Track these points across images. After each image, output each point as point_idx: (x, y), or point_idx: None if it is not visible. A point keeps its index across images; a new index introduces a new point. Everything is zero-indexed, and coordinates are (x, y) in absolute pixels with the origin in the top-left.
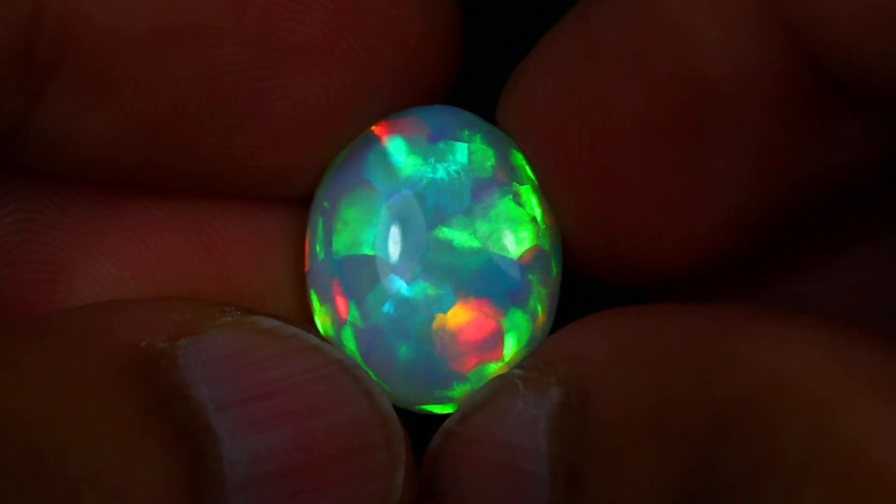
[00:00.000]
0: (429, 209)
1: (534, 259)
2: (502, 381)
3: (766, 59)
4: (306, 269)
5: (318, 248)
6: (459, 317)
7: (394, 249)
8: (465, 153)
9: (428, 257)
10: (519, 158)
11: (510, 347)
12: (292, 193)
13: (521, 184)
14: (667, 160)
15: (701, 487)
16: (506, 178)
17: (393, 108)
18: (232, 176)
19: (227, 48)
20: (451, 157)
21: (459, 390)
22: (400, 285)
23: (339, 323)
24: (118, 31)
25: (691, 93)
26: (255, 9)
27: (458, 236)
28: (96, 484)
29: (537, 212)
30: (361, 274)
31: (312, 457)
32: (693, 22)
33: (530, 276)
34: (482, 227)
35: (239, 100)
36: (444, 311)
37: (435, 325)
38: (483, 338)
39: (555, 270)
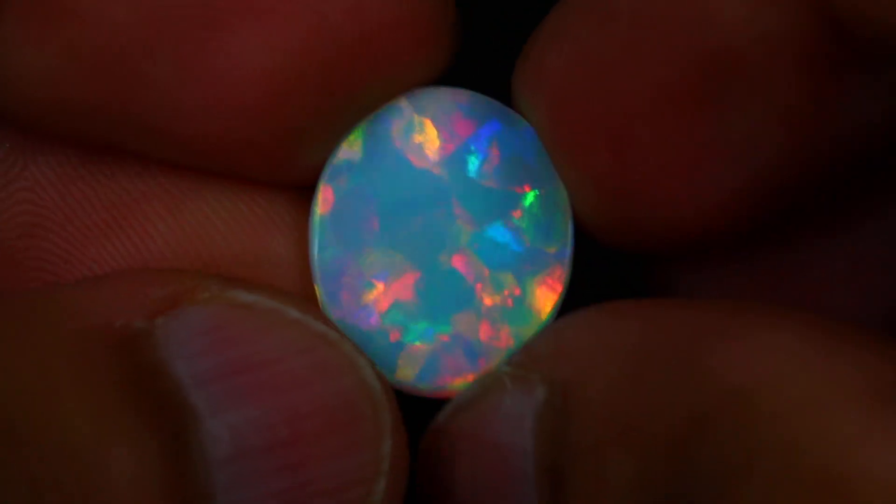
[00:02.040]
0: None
1: None
2: (491, 377)
3: (787, 23)
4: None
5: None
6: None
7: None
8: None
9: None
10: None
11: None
12: (261, 176)
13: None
14: (686, 126)
15: (678, 490)
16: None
17: (354, 90)
18: (179, 141)
19: None
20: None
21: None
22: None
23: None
24: None
25: (712, 58)
26: None
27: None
28: (72, 461)
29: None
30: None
31: (296, 430)
32: None
33: None
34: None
35: (181, 49)
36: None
37: None
38: None
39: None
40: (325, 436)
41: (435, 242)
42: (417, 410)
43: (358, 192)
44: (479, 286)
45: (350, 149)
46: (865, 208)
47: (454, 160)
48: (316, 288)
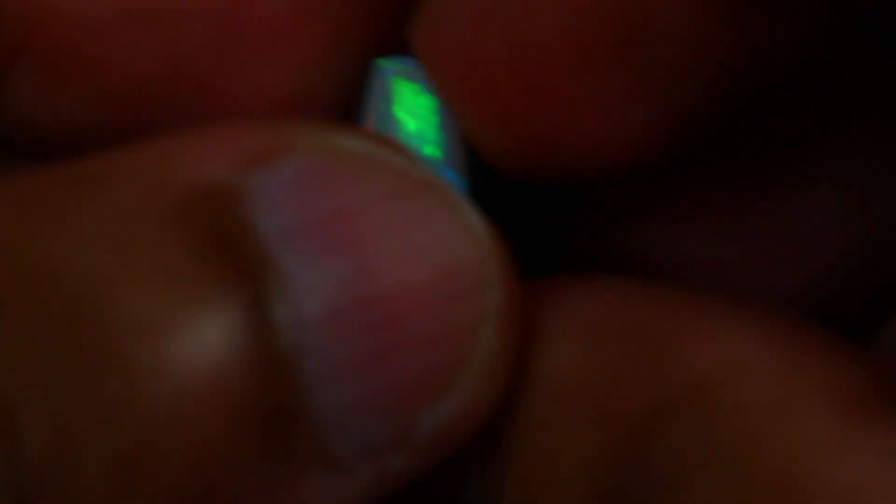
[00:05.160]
0: None
1: None
2: None
3: None
4: None
5: None
6: None
7: None
8: None
9: None
10: None
11: None
12: None
13: None
14: (599, 72)
15: (631, 479)
16: None
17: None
18: None
19: (188, 31)
20: None
21: None
22: None
23: None
24: (81, 14)
25: (623, 8)
26: None
27: None
28: (142, 332)
29: None
30: None
31: (394, 281)
32: None
33: None
34: None
35: (203, 85)
36: None
37: None
38: None
39: None
40: (425, 287)
41: None
42: None
43: None
44: None
45: None
46: (796, 177)
47: None
48: None
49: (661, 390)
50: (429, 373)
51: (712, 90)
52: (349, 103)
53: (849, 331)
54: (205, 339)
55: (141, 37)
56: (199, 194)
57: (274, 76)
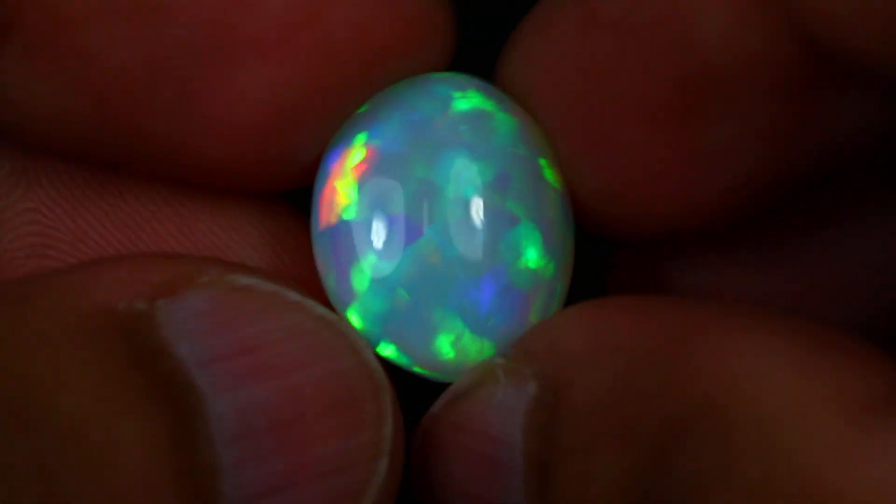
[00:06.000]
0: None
1: None
2: (485, 368)
3: (766, 43)
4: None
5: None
6: None
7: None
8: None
9: None
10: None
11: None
12: (258, 189)
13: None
14: (665, 135)
15: (656, 490)
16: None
17: (356, 108)
18: (184, 164)
19: (177, 29)
20: None
21: None
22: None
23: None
24: (68, 1)
25: (691, 76)
26: None
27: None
28: (82, 440)
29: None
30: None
31: (299, 410)
32: (694, 4)
33: None
34: None
35: (184, 88)
36: None
37: None
38: None
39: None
40: (327, 416)
41: None
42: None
43: None
44: None
45: None
46: (850, 212)
47: None
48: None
49: (678, 406)
50: (335, 498)
51: (769, 171)
52: (332, 113)
53: None
54: (135, 448)
55: (126, 30)
56: (114, 318)
57: (257, 89)
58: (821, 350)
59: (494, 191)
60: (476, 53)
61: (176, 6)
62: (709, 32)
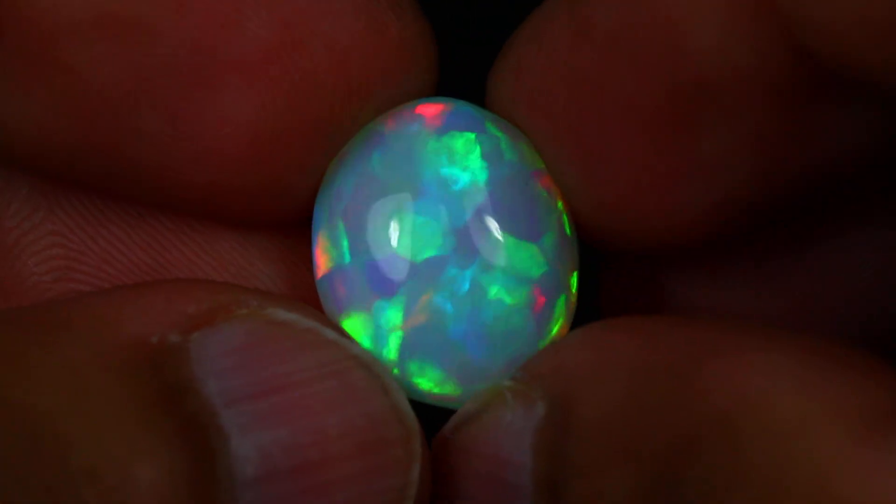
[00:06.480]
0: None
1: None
2: (493, 391)
3: (759, 57)
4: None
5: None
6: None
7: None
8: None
9: None
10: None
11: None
12: (247, 219)
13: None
14: (656, 147)
15: None
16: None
17: (340, 135)
18: (168, 189)
19: (161, 49)
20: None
21: None
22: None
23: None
24: (55, 14)
25: (683, 88)
26: (193, 13)
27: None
28: (96, 479)
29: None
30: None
31: (325, 453)
32: (688, 15)
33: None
34: None
35: (170, 105)
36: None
37: None
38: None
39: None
40: (353, 458)
41: None
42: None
43: None
44: None
45: None
46: (844, 224)
47: None
48: None
49: (687, 422)
50: None
51: (763, 183)
52: (315, 140)
53: None
54: (151, 490)
55: (114, 47)
56: (147, 352)
57: (241, 112)
58: (827, 366)
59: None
60: (463, 74)
61: (161, 25)
62: (702, 44)
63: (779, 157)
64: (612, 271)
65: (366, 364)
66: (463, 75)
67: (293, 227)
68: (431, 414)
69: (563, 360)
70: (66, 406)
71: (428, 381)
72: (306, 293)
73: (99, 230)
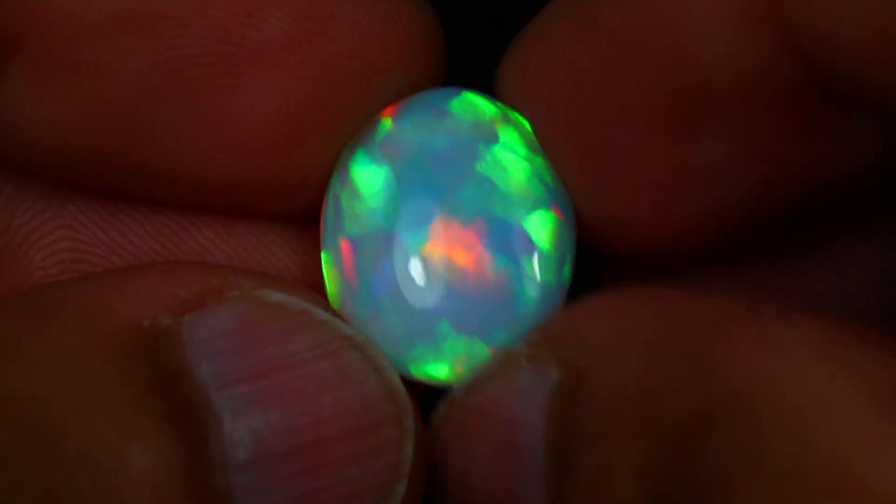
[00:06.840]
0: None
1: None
2: (507, 355)
3: (763, 63)
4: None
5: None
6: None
7: None
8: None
9: None
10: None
11: None
12: (269, 209)
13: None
14: (657, 144)
15: (679, 482)
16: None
17: (359, 122)
18: (192, 183)
19: (186, 41)
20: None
21: None
22: None
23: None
24: (78, 13)
25: (685, 92)
26: (215, 4)
27: None
28: (92, 465)
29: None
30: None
31: (318, 434)
32: (694, 20)
33: None
34: None
35: (196, 97)
36: None
37: None
38: None
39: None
40: (347, 440)
41: None
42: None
43: None
44: None
45: None
46: (846, 228)
47: None
48: None
49: (704, 398)
50: None
51: (763, 192)
52: (336, 127)
53: None
54: (146, 474)
55: (137, 41)
56: (139, 336)
57: (264, 100)
58: (848, 341)
59: None
60: (472, 66)
61: (183, 18)
62: (707, 49)
63: (779, 165)
64: (612, 271)
65: (358, 344)
66: (474, 70)
67: (308, 213)
68: (427, 393)
69: (579, 327)
70: (59, 392)
71: None
72: (321, 278)
73: (109, 220)
